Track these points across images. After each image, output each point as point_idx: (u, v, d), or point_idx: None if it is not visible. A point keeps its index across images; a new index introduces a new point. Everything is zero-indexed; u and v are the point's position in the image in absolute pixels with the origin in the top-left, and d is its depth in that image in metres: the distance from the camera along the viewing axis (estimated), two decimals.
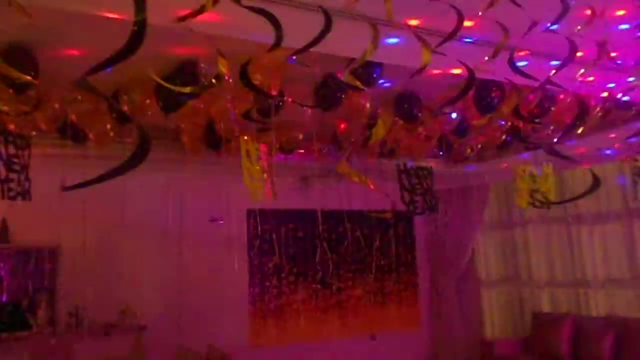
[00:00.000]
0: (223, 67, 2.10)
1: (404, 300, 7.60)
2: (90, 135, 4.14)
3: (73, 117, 3.66)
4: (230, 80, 2.71)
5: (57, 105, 3.63)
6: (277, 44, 1.85)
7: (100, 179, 1.55)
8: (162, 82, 2.73)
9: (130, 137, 4.78)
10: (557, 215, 6.55)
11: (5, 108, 3.48)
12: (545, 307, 6.58)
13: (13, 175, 3.70)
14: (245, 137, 3.10)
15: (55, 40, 3.03)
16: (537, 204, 4.12)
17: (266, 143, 5.03)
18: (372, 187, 2.93)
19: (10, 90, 3.11)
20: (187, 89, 2.95)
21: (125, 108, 3.70)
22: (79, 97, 3.59)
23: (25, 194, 3.82)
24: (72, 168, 5.24)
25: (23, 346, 3.90)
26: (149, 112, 3.79)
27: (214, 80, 2.35)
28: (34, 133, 4.17)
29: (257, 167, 3.04)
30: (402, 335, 7.46)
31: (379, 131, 3.42)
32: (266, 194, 3.07)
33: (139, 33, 1.43)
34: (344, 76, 2.56)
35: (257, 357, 6.38)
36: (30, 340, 4.07)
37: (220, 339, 5.85)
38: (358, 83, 2.51)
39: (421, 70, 1.99)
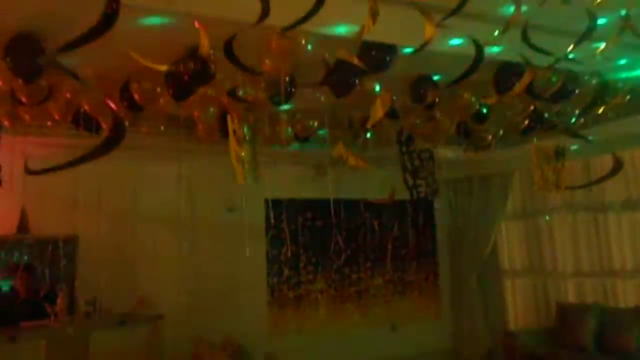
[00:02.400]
0: (204, 48, 2.04)
1: (424, 290, 7.49)
2: (104, 125, 4.13)
3: (85, 106, 3.64)
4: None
5: (68, 95, 3.62)
6: (263, 17, 1.78)
7: (69, 164, 1.50)
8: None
9: (144, 126, 4.78)
10: (584, 203, 6.34)
11: (23, 99, 3.49)
12: (571, 298, 6.39)
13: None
14: (231, 116, 2.99)
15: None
16: (553, 187, 3.95)
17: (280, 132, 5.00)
18: (366, 167, 2.84)
19: (20, 80, 3.10)
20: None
21: (136, 97, 3.67)
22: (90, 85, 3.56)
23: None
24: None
25: (41, 335, 3.93)
26: (161, 101, 3.76)
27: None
28: (49, 123, 4.19)
29: (243, 148, 2.91)
30: (423, 326, 7.36)
31: (377, 111, 3.30)
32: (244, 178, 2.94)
33: (111, 13, 1.36)
34: (340, 52, 2.46)
35: (276, 347, 6.36)
36: (49, 330, 4.10)
37: (238, 328, 5.85)
38: (355, 59, 2.41)
39: (425, 45, 1.89)
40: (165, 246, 5.82)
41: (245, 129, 3.01)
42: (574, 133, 3.96)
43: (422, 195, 4.73)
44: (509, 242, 7.36)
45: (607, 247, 6.10)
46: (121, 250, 5.54)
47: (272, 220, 6.59)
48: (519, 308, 7.20)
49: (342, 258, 6.95)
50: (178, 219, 5.96)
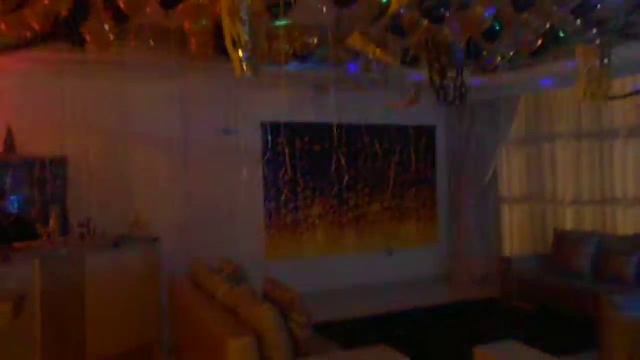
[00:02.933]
0: None
1: (422, 216, 7.47)
2: (88, 38, 3.83)
3: (64, 13, 3.33)
4: None
5: (46, 1, 3.30)
6: None
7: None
8: None
9: (132, 41, 4.47)
10: (590, 130, 6.16)
11: None
12: (569, 226, 6.37)
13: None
14: None
15: None
16: (593, 96, 3.71)
17: (278, 50, 4.68)
18: (386, 59, 2.50)
19: None
20: None
21: (121, 5, 3.36)
22: None
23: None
24: (71, 74, 5.01)
25: (34, 255, 3.85)
26: (147, 9, 3.45)
27: None
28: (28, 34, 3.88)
29: (242, 30, 2.36)
30: (420, 251, 7.41)
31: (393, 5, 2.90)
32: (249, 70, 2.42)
33: None
34: None
35: (273, 271, 6.38)
36: (42, 250, 4.03)
37: (235, 252, 5.82)
38: None
39: None
40: (159, 168, 5.69)
41: (242, 8, 2.35)
42: (626, 33, 3.65)
43: (450, 100, 4.22)
44: (510, 169, 7.25)
45: (610, 175, 6.00)
46: (114, 172, 5.40)
47: (270, 144, 6.42)
48: (515, 235, 7.22)
49: (341, 183, 6.85)
50: (172, 140, 5.78)
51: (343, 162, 6.66)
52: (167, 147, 5.75)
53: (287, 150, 6.51)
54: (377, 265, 7.09)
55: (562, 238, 5.89)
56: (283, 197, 6.55)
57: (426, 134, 7.48)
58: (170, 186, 5.74)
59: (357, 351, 2.85)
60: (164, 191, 5.65)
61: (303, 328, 2.88)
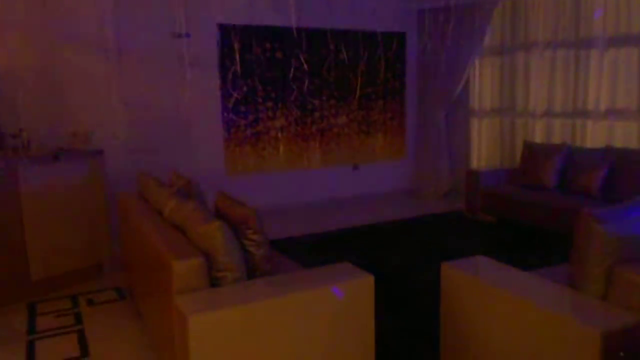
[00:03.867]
0: None
1: (390, 129, 7.21)
2: None
3: None
4: None
5: None
6: None
7: None
8: None
9: None
10: (566, 39, 5.85)
11: None
12: (539, 139, 6.23)
13: None
14: None
15: None
16: None
17: None
18: None
19: None
20: None
21: None
22: None
23: None
24: None
25: None
26: None
27: None
28: None
29: None
30: (387, 166, 7.22)
31: None
32: None
33: None
34: None
35: (234, 186, 6.11)
36: None
37: (191, 167, 5.50)
38: None
39: None
40: (98, 77, 5.12)
41: None
42: None
43: None
44: (482, 80, 6.96)
45: (583, 87, 5.78)
46: (51, 81, 4.82)
47: (227, 50, 5.88)
48: (484, 149, 7.07)
49: (305, 94, 6.45)
50: (116, 45, 5.19)
51: (306, 69, 6.22)
52: (110, 53, 5.16)
53: (246, 57, 6.00)
54: (343, 180, 6.89)
55: (530, 150, 5.74)
56: (242, 109, 6.13)
57: (396, 41, 7.03)
58: (113, 96, 5.22)
59: (317, 270, 2.63)
60: (106, 102, 5.13)
61: (259, 246, 2.63)
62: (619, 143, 5.38)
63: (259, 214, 2.67)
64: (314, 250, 4.84)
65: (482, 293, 2.38)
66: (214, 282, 2.40)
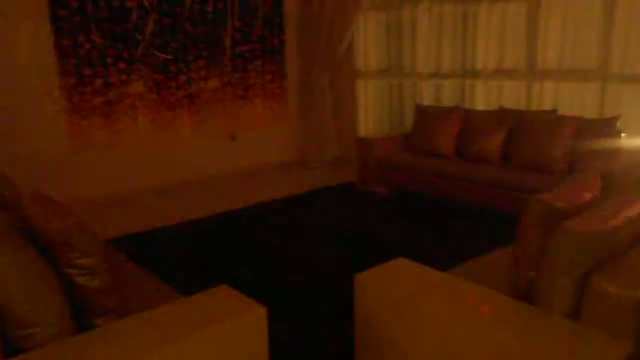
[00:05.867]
0: None
1: (270, 93, 6.40)
2: None
3: None
4: None
5: None
6: None
7: None
8: None
9: None
10: None
11: None
12: (427, 100, 5.84)
13: None
14: None
15: None
16: None
17: None
18: None
19: None
20: None
21: None
22: None
23: None
24: None
25: None
26: None
27: None
28: None
29: None
30: (268, 134, 6.44)
31: None
32: None
33: None
34: None
35: (82, 168, 4.96)
36: None
37: (25, 143, 4.29)
38: None
39: None
40: None
41: None
42: None
43: None
44: (367, 38, 6.39)
45: (472, 45, 5.44)
46: None
47: None
48: (371, 112, 6.58)
49: (165, 52, 5.37)
50: None
51: (164, 22, 5.15)
52: None
53: (86, 5, 4.77)
54: (219, 153, 5.99)
55: (423, 114, 5.32)
56: (87, 71, 4.91)
57: None
58: None
59: (187, 302, 1.82)
60: None
61: (92, 275, 1.74)
62: (507, 103, 5.13)
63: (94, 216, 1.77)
64: (186, 250, 3.96)
65: (403, 310, 1.77)
66: (15, 346, 1.49)
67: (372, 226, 4.30)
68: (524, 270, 1.85)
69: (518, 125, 4.56)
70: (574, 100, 4.82)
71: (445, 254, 3.54)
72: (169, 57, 5.31)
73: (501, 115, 4.84)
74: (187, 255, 3.78)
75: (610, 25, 4.43)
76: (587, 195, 1.96)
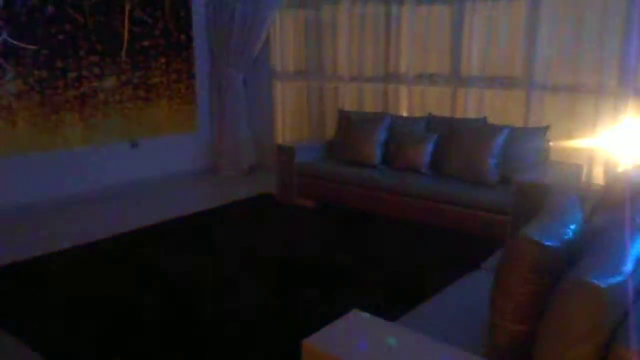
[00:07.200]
0: None
1: (176, 95, 5.73)
2: None
3: None
4: None
5: None
6: None
7: None
8: None
9: None
10: None
11: None
12: (349, 106, 5.50)
13: None
14: None
15: None
16: None
17: None
18: None
19: None
20: None
21: None
22: None
23: None
24: None
25: None
26: None
27: None
28: None
29: None
30: (175, 140, 5.76)
31: None
32: None
33: None
34: None
35: None
36: None
37: None
38: None
39: None
40: None
41: None
42: None
43: None
44: (285, 37, 5.93)
45: (395, 47, 5.17)
46: None
47: None
48: (288, 117, 6.12)
49: (51, 46, 4.56)
50: None
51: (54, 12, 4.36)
52: None
53: None
54: (118, 162, 5.23)
55: (347, 120, 4.96)
56: None
57: None
58: None
59: None
60: None
61: None
62: (432, 110, 4.91)
63: None
64: (73, 284, 3.26)
65: None
66: None
67: (299, 250, 3.83)
68: (509, 325, 1.50)
69: (448, 134, 4.33)
70: (498, 108, 4.69)
71: (382, 278, 3.17)
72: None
73: (429, 122, 4.59)
74: (71, 299, 3.09)
75: (534, 32, 4.32)
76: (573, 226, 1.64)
